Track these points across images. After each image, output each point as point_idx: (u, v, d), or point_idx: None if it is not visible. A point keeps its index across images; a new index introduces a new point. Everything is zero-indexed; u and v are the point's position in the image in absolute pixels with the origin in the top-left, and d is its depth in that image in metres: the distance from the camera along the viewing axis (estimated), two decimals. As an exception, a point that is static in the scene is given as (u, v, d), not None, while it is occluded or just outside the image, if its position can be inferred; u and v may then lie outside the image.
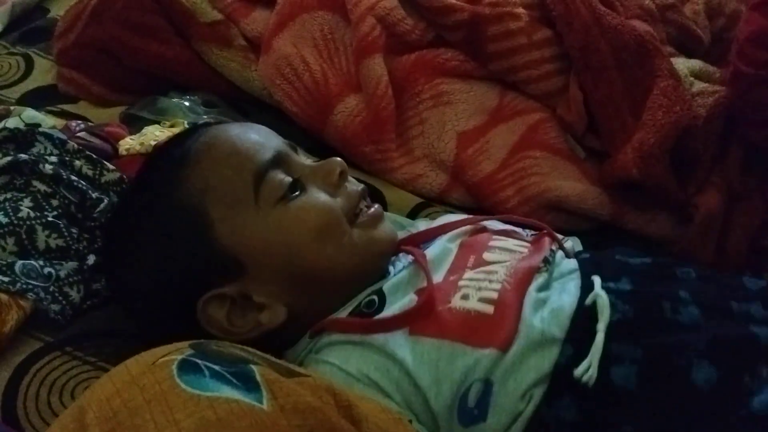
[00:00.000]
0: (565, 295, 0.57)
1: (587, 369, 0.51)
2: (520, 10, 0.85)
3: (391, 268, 0.64)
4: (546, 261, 0.61)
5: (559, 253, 0.64)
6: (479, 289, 0.57)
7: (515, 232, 0.67)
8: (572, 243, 0.69)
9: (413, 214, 0.81)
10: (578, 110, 0.84)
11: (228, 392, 0.39)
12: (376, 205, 0.65)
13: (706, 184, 0.83)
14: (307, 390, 0.41)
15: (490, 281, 0.57)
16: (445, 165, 0.84)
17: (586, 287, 0.57)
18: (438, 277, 0.60)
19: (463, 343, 0.53)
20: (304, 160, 0.65)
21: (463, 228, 0.67)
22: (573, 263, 0.62)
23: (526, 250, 0.63)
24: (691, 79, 0.91)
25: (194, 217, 0.58)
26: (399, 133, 0.85)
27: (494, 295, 0.56)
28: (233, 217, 0.58)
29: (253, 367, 0.41)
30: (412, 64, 0.86)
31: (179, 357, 0.40)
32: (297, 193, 0.60)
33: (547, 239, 0.65)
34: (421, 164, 0.84)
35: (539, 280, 0.59)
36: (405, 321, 0.56)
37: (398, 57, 0.87)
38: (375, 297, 0.59)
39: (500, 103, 0.86)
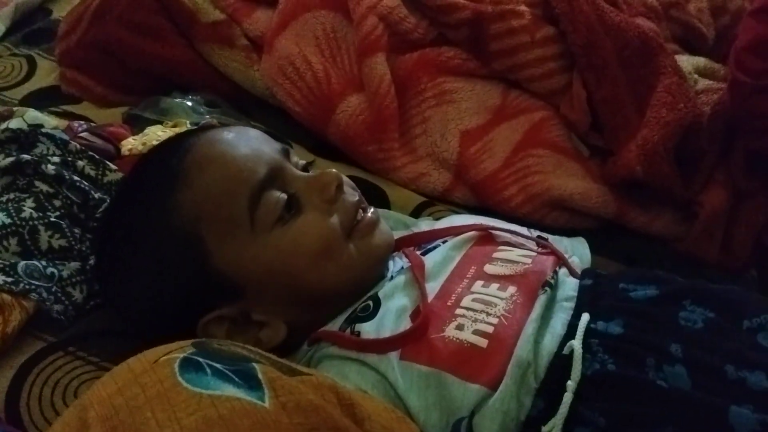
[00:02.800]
0: (549, 334, 0.55)
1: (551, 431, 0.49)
2: (523, 7, 0.85)
3: (390, 264, 0.64)
4: (548, 285, 0.58)
5: (563, 271, 0.62)
6: (475, 320, 0.55)
7: (520, 242, 0.66)
8: (578, 259, 0.67)
9: (416, 213, 0.81)
10: (581, 108, 0.84)
11: (230, 390, 0.39)
12: (371, 211, 0.64)
13: (710, 181, 0.83)
14: (309, 388, 0.41)
15: (488, 314, 0.56)
16: (448, 163, 0.83)
17: (572, 325, 0.55)
18: (435, 286, 0.59)
19: (452, 374, 0.52)
20: (299, 172, 0.62)
21: (468, 234, 0.65)
22: (573, 289, 0.59)
23: (530, 262, 0.61)
24: (695, 76, 0.91)
25: (190, 244, 0.57)
26: (402, 132, 0.85)
27: (489, 329, 0.54)
28: (230, 244, 0.57)
29: (255, 365, 0.41)
30: (415, 62, 0.86)
31: (181, 355, 0.40)
32: (294, 212, 0.59)
33: (551, 258, 0.62)
34: (424, 163, 0.84)
35: (539, 305, 0.56)
36: (396, 344, 0.55)
37: (401, 56, 0.86)
38: (370, 302, 0.59)
39: (503, 101, 0.86)
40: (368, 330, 0.56)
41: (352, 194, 0.64)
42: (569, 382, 0.51)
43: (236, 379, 0.39)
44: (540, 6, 0.86)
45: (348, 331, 0.57)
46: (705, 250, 0.80)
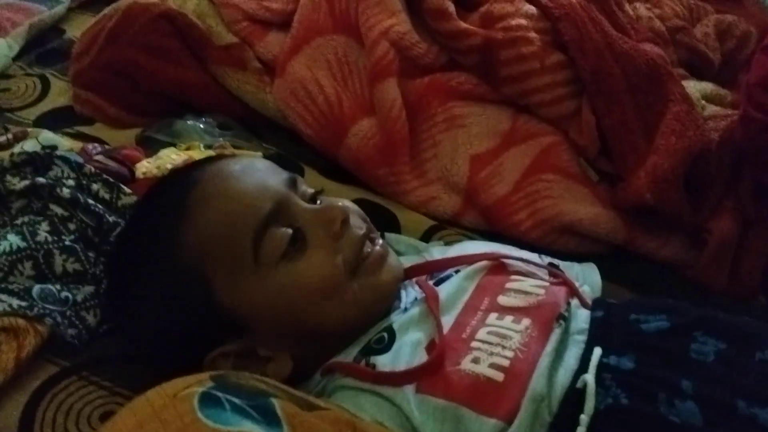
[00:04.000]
0: (562, 369, 0.55)
1: None
2: (533, 34, 0.85)
3: (402, 293, 0.64)
4: (563, 317, 0.58)
5: (575, 302, 0.62)
6: (491, 354, 0.55)
7: (532, 271, 0.66)
8: (589, 288, 0.67)
9: (427, 237, 0.82)
10: (590, 134, 0.85)
11: (249, 426, 0.39)
12: (380, 243, 0.64)
13: (719, 208, 0.83)
14: (327, 424, 0.41)
15: (503, 347, 0.56)
16: (459, 188, 0.84)
17: (585, 359, 0.55)
18: (449, 319, 0.59)
19: (468, 407, 0.52)
20: (305, 204, 0.62)
21: (480, 264, 0.65)
22: (585, 321, 0.60)
23: (543, 293, 0.61)
24: (703, 102, 0.92)
25: (194, 281, 0.57)
26: (412, 156, 0.85)
27: (506, 363, 0.54)
28: (234, 280, 0.57)
29: (273, 400, 0.41)
30: (426, 87, 0.87)
31: (200, 390, 0.40)
32: (299, 246, 0.59)
33: (564, 289, 0.62)
34: (435, 187, 0.85)
35: (554, 338, 0.57)
36: (412, 378, 0.55)
37: (412, 80, 0.87)
38: (385, 334, 0.59)
39: (513, 126, 0.87)
40: (384, 362, 0.56)
41: (359, 225, 0.63)
42: (582, 416, 0.51)
43: (255, 414, 0.40)
44: (549, 33, 0.87)
45: (363, 362, 0.57)
46: (713, 277, 0.80)
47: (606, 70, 0.85)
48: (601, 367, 0.54)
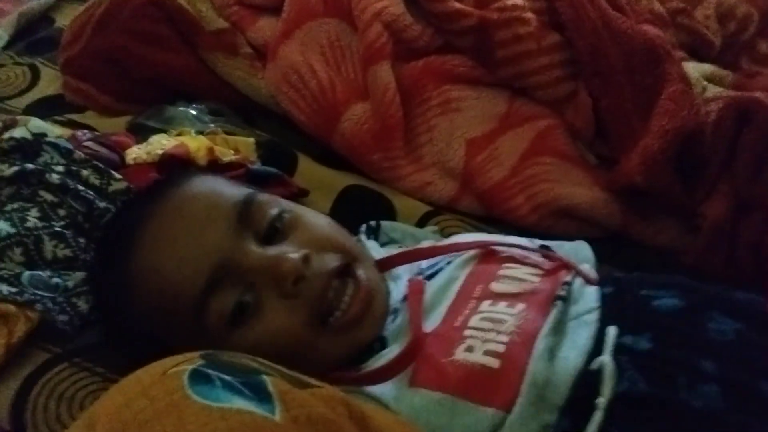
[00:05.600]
0: (573, 349, 0.52)
1: None
2: (529, 14, 0.84)
3: (392, 287, 0.62)
4: (560, 298, 0.56)
5: (578, 281, 0.59)
6: (485, 341, 0.53)
7: (527, 257, 0.63)
8: (590, 266, 0.65)
9: (422, 222, 0.81)
10: (587, 116, 0.84)
11: (240, 403, 0.38)
12: (363, 278, 0.57)
13: (713, 191, 0.82)
14: (320, 401, 0.40)
15: (498, 332, 0.53)
16: (455, 172, 0.83)
17: (599, 339, 0.52)
18: (441, 310, 0.57)
19: (464, 398, 0.50)
20: (256, 251, 0.55)
21: (471, 253, 0.63)
22: (593, 298, 0.57)
23: (537, 280, 0.59)
24: (704, 83, 0.90)
25: (151, 337, 0.55)
26: (407, 141, 0.84)
27: (501, 348, 0.52)
28: (188, 344, 0.51)
29: (265, 377, 0.40)
30: (420, 70, 0.86)
31: (190, 367, 0.39)
32: (251, 306, 0.54)
33: (561, 272, 0.60)
34: (430, 172, 0.84)
35: (551, 319, 0.54)
36: (389, 372, 0.53)
37: (406, 64, 0.86)
38: (377, 343, 0.57)
39: (509, 109, 0.86)
40: (370, 365, 0.55)
41: (323, 264, 0.56)
42: (600, 400, 0.48)
43: (246, 391, 0.39)
44: (546, 13, 0.86)
45: (353, 370, 0.55)
46: (710, 262, 0.79)
47: (603, 50, 0.84)
48: (617, 347, 0.51)
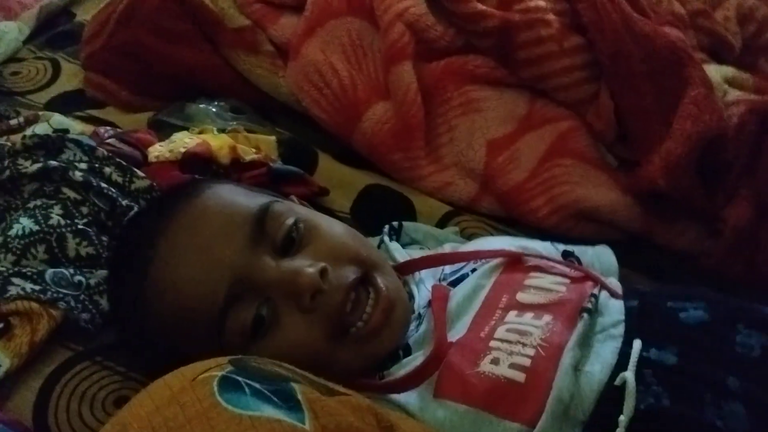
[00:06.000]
0: (598, 363, 0.52)
1: None
2: (551, 16, 0.84)
3: (415, 292, 0.62)
4: (587, 310, 0.55)
5: (604, 294, 0.59)
6: (511, 353, 0.52)
7: (553, 266, 0.63)
8: (615, 275, 0.65)
9: (443, 223, 0.80)
10: (608, 118, 0.83)
11: (270, 412, 0.38)
12: (382, 287, 0.56)
13: (735, 195, 0.81)
14: (348, 410, 0.40)
15: (524, 345, 0.53)
16: (475, 173, 0.83)
17: (624, 354, 0.52)
18: (467, 320, 0.57)
19: (489, 412, 0.50)
20: (271, 265, 0.54)
21: (496, 261, 0.62)
22: (619, 312, 0.56)
23: (564, 289, 0.59)
24: (726, 86, 0.89)
25: (173, 351, 0.53)
26: (428, 141, 0.84)
27: (527, 362, 0.52)
28: (205, 355, 0.50)
29: (294, 385, 0.40)
30: (441, 70, 0.85)
31: (220, 374, 0.40)
32: (269, 320, 0.54)
33: (587, 283, 0.59)
34: (451, 172, 0.83)
35: (578, 332, 0.54)
36: (413, 381, 0.53)
37: (427, 64, 0.86)
38: (400, 351, 0.57)
39: (530, 110, 0.85)
40: (393, 373, 0.55)
41: (341, 276, 0.55)
42: (621, 417, 0.48)
43: (275, 399, 0.39)
44: (568, 15, 0.85)
45: (377, 377, 0.55)
46: (731, 267, 0.78)
47: (625, 52, 0.83)
48: (642, 361, 0.51)
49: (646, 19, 0.89)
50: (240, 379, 0.39)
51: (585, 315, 0.55)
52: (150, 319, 0.56)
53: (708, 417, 0.48)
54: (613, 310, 0.57)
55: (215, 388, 0.38)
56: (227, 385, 0.39)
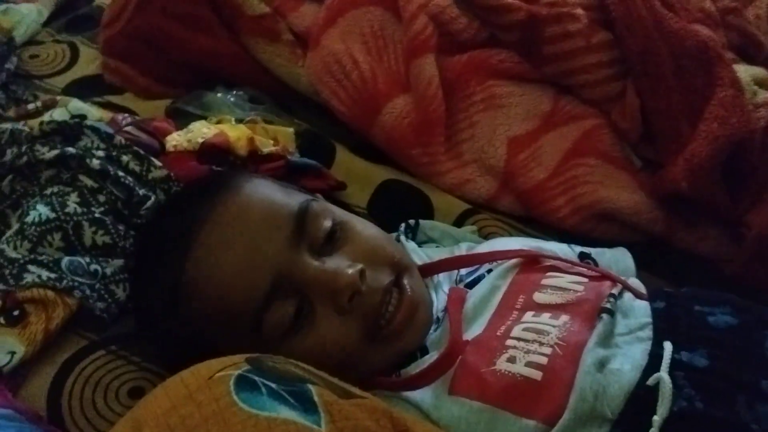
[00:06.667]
0: (627, 363, 0.51)
1: None
2: (579, 11, 0.82)
3: (433, 296, 0.62)
4: (606, 311, 0.55)
5: (627, 295, 0.58)
6: (527, 352, 0.52)
7: (568, 267, 0.62)
8: (633, 277, 0.64)
9: (460, 221, 0.79)
10: (634, 117, 0.81)
11: (286, 413, 0.37)
12: (408, 290, 0.56)
13: (759, 201, 0.79)
14: (365, 413, 0.39)
15: (540, 344, 0.53)
16: (495, 170, 0.81)
17: (655, 355, 0.51)
18: (483, 320, 0.57)
19: (505, 409, 0.50)
20: (312, 264, 0.54)
21: (513, 261, 0.62)
22: (645, 312, 0.56)
23: (581, 288, 0.58)
24: (755, 87, 0.87)
25: (198, 338, 0.55)
26: (448, 136, 0.83)
27: (543, 360, 0.52)
28: (238, 349, 0.51)
29: (311, 387, 0.39)
30: (464, 64, 0.84)
31: (236, 372, 0.39)
32: (305, 319, 0.54)
33: (606, 283, 0.59)
34: (470, 169, 0.82)
35: (598, 332, 0.53)
36: (429, 377, 0.52)
37: (449, 57, 0.84)
38: (417, 353, 0.57)
39: (554, 107, 0.84)
40: (409, 371, 0.55)
41: (377, 279, 0.56)
42: (655, 418, 0.47)
43: (292, 401, 0.38)
44: (596, 9, 0.83)
45: (393, 376, 0.55)
46: (753, 273, 0.77)
47: (654, 50, 0.81)
48: (673, 363, 0.50)
49: (676, 16, 0.87)
50: (257, 378, 0.39)
51: (604, 315, 0.55)
52: (182, 309, 0.55)
53: (742, 420, 0.47)
54: (639, 311, 0.56)
55: (232, 387, 0.38)
56: (244, 384, 0.38)
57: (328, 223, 0.57)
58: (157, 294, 0.57)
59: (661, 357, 0.50)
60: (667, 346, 0.51)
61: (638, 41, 0.81)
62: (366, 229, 0.60)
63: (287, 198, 0.58)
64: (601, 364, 0.51)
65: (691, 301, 0.57)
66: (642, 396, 0.49)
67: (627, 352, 0.52)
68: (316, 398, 0.39)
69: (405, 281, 0.57)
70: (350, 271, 0.54)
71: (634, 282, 0.62)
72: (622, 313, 0.56)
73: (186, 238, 0.55)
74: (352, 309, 0.54)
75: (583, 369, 0.50)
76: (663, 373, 0.49)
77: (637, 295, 0.59)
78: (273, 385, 0.39)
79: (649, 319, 0.55)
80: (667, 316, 0.55)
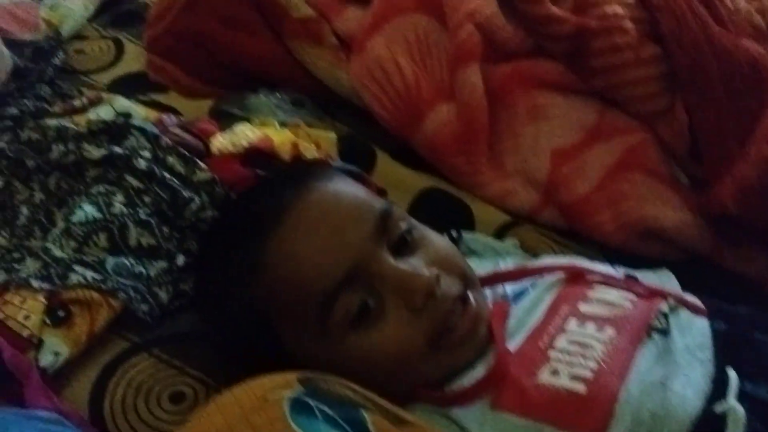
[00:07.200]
0: (690, 387, 0.50)
1: None
2: (629, 24, 0.80)
3: None
4: (658, 330, 0.54)
5: (685, 312, 0.57)
6: (571, 364, 0.52)
7: (617, 279, 0.61)
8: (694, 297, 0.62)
9: (501, 233, 0.78)
10: (682, 134, 0.80)
11: (341, 439, 0.37)
12: (473, 304, 0.56)
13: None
14: (418, 440, 0.39)
15: (585, 357, 0.52)
16: (538, 183, 0.80)
17: (718, 381, 0.50)
18: (526, 330, 0.56)
19: (550, 425, 0.49)
20: (390, 262, 0.55)
21: (558, 275, 0.62)
22: (704, 332, 0.54)
23: (630, 305, 0.57)
24: (806, 107, 0.85)
25: (263, 325, 0.55)
26: (491, 146, 0.82)
27: (588, 374, 0.51)
28: (300, 340, 0.55)
29: (364, 413, 0.39)
30: (509, 74, 0.83)
31: (291, 395, 0.39)
32: (372, 316, 0.54)
33: (657, 299, 0.58)
34: (512, 180, 0.81)
35: (651, 350, 0.53)
36: (476, 393, 0.52)
37: (494, 66, 0.83)
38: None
39: (599, 120, 0.82)
40: (454, 385, 0.54)
41: (451, 287, 0.56)
42: None
43: (347, 427, 0.38)
44: (646, 23, 0.82)
45: (437, 389, 0.55)
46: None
47: (704, 66, 0.79)
48: (737, 393, 0.49)
49: (726, 30, 0.86)
50: (311, 402, 0.39)
51: (655, 335, 0.54)
52: (253, 290, 0.55)
53: None
54: (698, 330, 0.55)
55: (287, 411, 0.38)
56: (299, 408, 0.38)
57: (404, 225, 0.57)
58: (230, 273, 0.57)
59: (724, 384, 0.49)
60: (732, 375, 0.50)
61: (688, 56, 0.79)
62: (439, 238, 0.60)
63: (371, 197, 0.59)
64: (662, 385, 0.50)
65: (751, 327, 0.56)
66: (707, 424, 0.48)
67: (688, 372, 0.51)
68: (370, 426, 0.39)
69: (470, 294, 0.57)
70: (427, 272, 0.54)
71: (690, 297, 0.60)
72: (679, 328, 0.55)
73: (271, 218, 0.56)
74: (424, 310, 0.54)
75: (635, 381, 0.50)
76: (735, 403, 0.48)
77: (695, 310, 0.58)
78: (328, 410, 0.39)
79: (709, 340, 0.54)
80: (728, 341, 0.54)
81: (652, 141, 0.81)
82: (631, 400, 0.49)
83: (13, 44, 0.86)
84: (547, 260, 0.69)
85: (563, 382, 0.51)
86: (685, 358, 0.53)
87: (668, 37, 0.80)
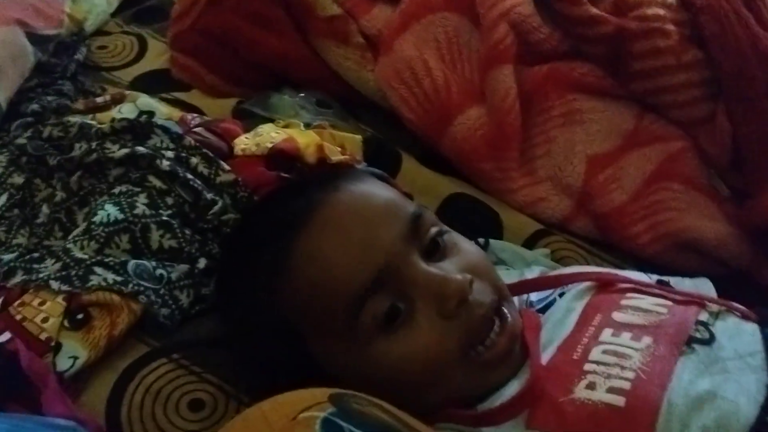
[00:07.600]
0: (742, 395, 0.48)
1: None
2: (671, 26, 0.77)
3: None
4: (699, 341, 0.52)
5: (732, 317, 0.55)
6: (608, 376, 0.50)
7: (650, 286, 0.59)
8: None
9: (531, 242, 0.76)
10: (724, 143, 0.77)
11: (373, 463, 0.35)
12: (508, 318, 0.54)
13: None
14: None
15: (622, 368, 0.50)
16: (571, 190, 0.77)
17: None
18: (558, 341, 0.54)
19: None
20: (421, 266, 0.53)
21: (588, 284, 0.59)
22: (755, 338, 0.52)
23: (665, 312, 0.55)
24: None
25: (289, 331, 0.53)
26: (522, 152, 0.79)
27: (626, 386, 0.49)
28: (327, 345, 0.53)
29: (398, 434, 0.37)
30: (544, 76, 0.80)
31: (321, 415, 0.36)
32: (402, 321, 0.52)
33: (694, 307, 0.55)
34: (544, 187, 0.78)
35: (692, 362, 0.50)
36: (511, 411, 0.50)
37: (528, 68, 0.80)
38: None
39: (637, 126, 0.79)
40: (486, 404, 0.52)
41: (485, 295, 0.53)
42: None
43: (380, 450, 0.35)
44: (688, 26, 0.79)
45: (469, 408, 0.52)
46: None
47: (748, 72, 0.76)
48: None
49: (770, 34, 0.82)
50: (343, 424, 0.36)
51: (696, 346, 0.52)
52: (284, 288, 0.53)
53: None
54: (747, 335, 0.53)
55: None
56: (330, 429, 0.36)
57: (436, 230, 0.56)
58: (254, 277, 0.55)
59: None
60: None
61: (732, 62, 0.76)
62: (470, 246, 0.58)
63: (402, 199, 0.57)
64: (711, 395, 0.48)
65: None
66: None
67: (739, 379, 0.49)
68: (402, 449, 0.36)
69: (505, 309, 0.55)
70: (460, 277, 0.52)
71: (733, 304, 0.58)
72: (727, 334, 0.53)
73: (298, 218, 0.54)
74: (457, 317, 0.52)
75: (680, 399, 0.47)
76: None
77: (744, 316, 0.55)
78: None
79: (760, 347, 0.51)
80: None
81: (692, 149, 0.78)
82: (676, 411, 0.47)
83: (37, 39, 0.84)
84: (576, 268, 0.66)
85: (601, 395, 0.49)
86: (735, 365, 0.50)
87: (711, 40, 0.77)
